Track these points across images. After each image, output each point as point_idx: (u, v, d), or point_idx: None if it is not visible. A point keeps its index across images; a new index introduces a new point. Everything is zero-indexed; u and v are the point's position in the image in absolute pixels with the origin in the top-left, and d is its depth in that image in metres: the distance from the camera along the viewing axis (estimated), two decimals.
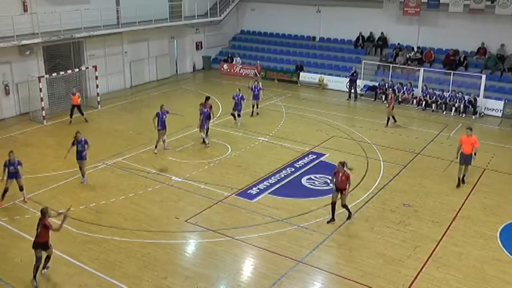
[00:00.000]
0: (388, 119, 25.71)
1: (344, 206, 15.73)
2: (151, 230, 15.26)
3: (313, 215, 16.28)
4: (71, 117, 25.57)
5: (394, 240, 14.87)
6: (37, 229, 12.50)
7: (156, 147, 21.41)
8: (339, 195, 15.54)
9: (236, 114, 25.01)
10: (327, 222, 15.66)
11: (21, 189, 16.76)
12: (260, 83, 27.95)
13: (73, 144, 18.02)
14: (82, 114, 25.79)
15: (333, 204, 15.63)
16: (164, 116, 21.02)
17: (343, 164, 15.51)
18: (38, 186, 18.01)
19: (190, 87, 33.82)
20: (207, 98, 23.20)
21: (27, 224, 15.35)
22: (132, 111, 27.74)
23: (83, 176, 18.49)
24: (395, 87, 30.27)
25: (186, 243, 14.91)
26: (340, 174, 15.33)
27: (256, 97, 26.78)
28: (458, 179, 18.72)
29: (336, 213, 15.72)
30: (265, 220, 15.95)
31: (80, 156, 18.10)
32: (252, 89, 26.72)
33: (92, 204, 16.78)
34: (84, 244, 14.41)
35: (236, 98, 24.82)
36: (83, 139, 18.03)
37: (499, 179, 19.50)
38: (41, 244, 12.55)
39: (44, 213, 12.44)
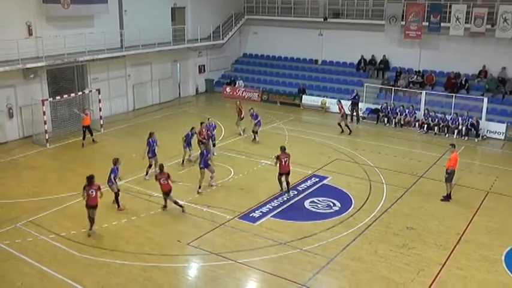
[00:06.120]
0: None
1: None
2: (153, 254, 15.17)
3: (316, 238, 16.18)
4: (83, 139, 25.52)
5: (398, 264, 14.76)
6: None
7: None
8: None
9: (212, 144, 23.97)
10: None
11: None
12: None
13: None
14: (91, 135, 25.82)
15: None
16: (155, 144, 21.33)
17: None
18: (40, 209, 17.97)
19: (193, 110, 33.93)
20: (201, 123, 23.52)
21: (29, 247, 15.33)
22: (135, 134, 27.74)
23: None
24: (397, 110, 30.38)
25: (188, 267, 14.82)
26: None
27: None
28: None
29: None
30: (267, 243, 15.86)
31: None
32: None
33: (94, 227, 16.72)
34: (86, 267, 14.34)
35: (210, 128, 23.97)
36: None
37: (502, 202, 19.40)
38: None
39: None
